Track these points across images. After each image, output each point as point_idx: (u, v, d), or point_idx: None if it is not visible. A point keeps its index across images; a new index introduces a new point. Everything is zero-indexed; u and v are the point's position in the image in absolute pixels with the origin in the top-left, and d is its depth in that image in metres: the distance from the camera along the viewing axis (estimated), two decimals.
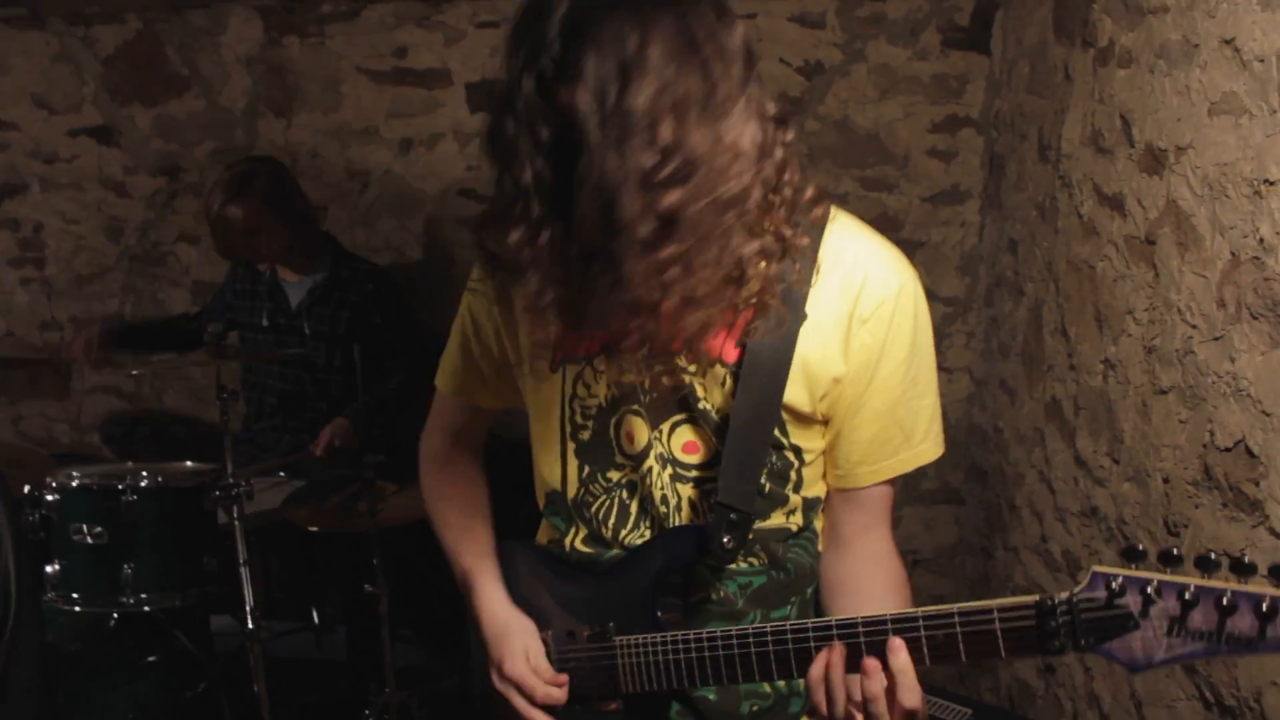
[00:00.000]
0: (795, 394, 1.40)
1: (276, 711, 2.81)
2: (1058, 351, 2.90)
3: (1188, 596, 1.00)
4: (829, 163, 3.82)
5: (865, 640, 1.24)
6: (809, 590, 1.55)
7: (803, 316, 1.36)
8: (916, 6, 3.71)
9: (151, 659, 3.00)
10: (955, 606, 1.17)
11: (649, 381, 1.43)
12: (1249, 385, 1.89)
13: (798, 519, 1.49)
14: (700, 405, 1.43)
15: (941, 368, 3.92)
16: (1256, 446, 1.85)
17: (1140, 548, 1.05)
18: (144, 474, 2.91)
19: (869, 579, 1.48)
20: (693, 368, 1.42)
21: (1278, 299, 1.79)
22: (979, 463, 3.70)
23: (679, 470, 1.47)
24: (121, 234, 4.37)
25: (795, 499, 1.48)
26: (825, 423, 1.45)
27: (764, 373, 1.38)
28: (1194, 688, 2.07)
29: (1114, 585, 1.05)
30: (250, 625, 2.74)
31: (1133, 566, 1.06)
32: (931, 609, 1.19)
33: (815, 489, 1.50)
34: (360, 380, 3.13)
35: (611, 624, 1.49)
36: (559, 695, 1.49)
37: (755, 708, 1.52)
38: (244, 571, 2.73)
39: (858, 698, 1.23)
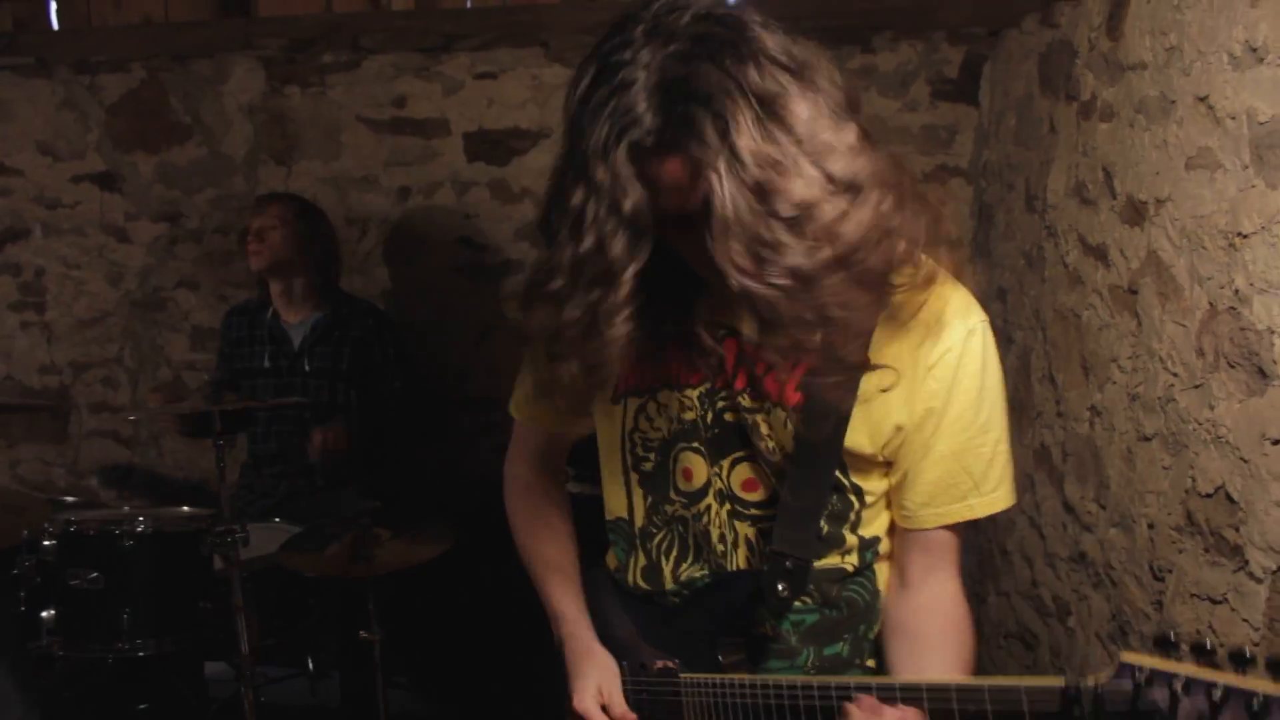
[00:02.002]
0: (856, 439, 1.40)
1: None
2: (1046, 399, 2.94)
3: (1217, 697, 0.94)
4: None
5: (900, 700, 1.26)
6: (862, 628, 1.55)
7: (865, 362, 1.34)
8: (906, 59, 3.78)
9: (146, 705, 3.01)
10: (986, 681, 1.17)
11: (710, 417, 1.47)
12: (1227, 432, 1.92)
13: (853, 559, 1.50)
14: (761, 444, 1.44)
15: None
16: (1236, 493, 1.88)
17: (1173, 638, 1.00)
18: (141, 519, 2.92)
19: (928, 625, 1.47)
20: (753, 406, 1.44)
21: (1253, 348, 1.83)
22: None
23: (738, 507, 1.49)
24: (122, 279, 4.41)
25: (852, 539, 1.49)
26: (888, 465, 1.45)
27: (825, 419, 1.37)
28: None
29: (1140, 678, 1.01)
30: (244, 671, 2.74)
31: (1163, 657, 1.02)
32: (965, 680, 1.21)
33: (873, 529, 1.50)
34: (357, 423, 3.16)
35: (678, 660, 1.53)
36: None
37: None
38: (239, 617, 2.74)
39: None
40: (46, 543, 2.89)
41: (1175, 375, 2.15)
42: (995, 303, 3.48)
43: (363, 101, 4.13)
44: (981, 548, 3.55)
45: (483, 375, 4.15)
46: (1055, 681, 1.10)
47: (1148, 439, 2.27)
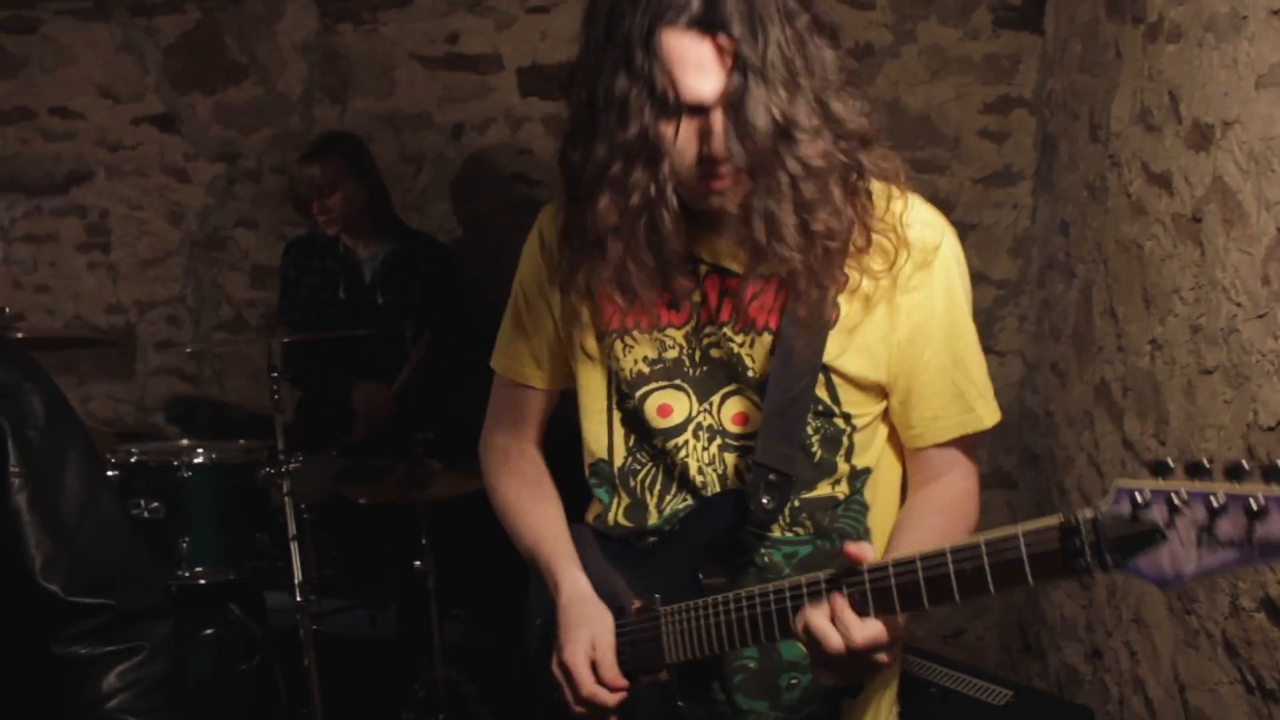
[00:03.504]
0: (843, 361, 1.43)
1: (327, 685, 2.87)
2: (1107, 333, 2.86)
3: (1215, 504, 0.94)
4: None
5: (894, 574, 1.23)
6: None
7: (842, 279, 1.40)
8: None
9: (208, 632, 3.08)
10: (981, 536, 1.14)
11: (697, 355, 1.48)
12: None
13: (844, 488, 1.50)
14: (749, 375, 1.46)
15: (993, 350, 3.90)
16: None
17: (1168, 462, 0.99)
18: (199, 451, 2.99)
19: (932, 508, 1.49)
20: (740, 338, 1.45)
21: None
22: (1030, 446, 3.66)
23: (728, 440, 1.49)
24: (183, 219, 4.47)
25: (844, 467, 1.49)
26: (882, 390, 1.47)
27: (803, 334, 1.40)
28: (1236, 671, 2.04)
29: (1139, 499, 1.00)
30: (299, 599, 2.79)
31: (1159, 480, 1.00)
32: (958, 541, 1.17)
33: (866, 458, 1.51)
34: (421, 363, 3.19)
35: (658, 595, 1.50)
36: (606, 698, 1.45)
37: (794, 681, 1.52)
38: (294, 546, 2.78)
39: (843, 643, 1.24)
40: (109, 474, 2.96)
41: (1239, 305, 2.07)
42: (1058, 236, 3.39)
43: (415, 38, 4.12)
44: (1040, 486, 3.50)
45: None
46: (1051, 521, 1.08)
47: (1209, 372, 2.20)
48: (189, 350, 4.24)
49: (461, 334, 3.80)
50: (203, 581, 2.98)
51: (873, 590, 1.24)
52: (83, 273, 4.62)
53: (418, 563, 3.05)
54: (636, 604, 1.52)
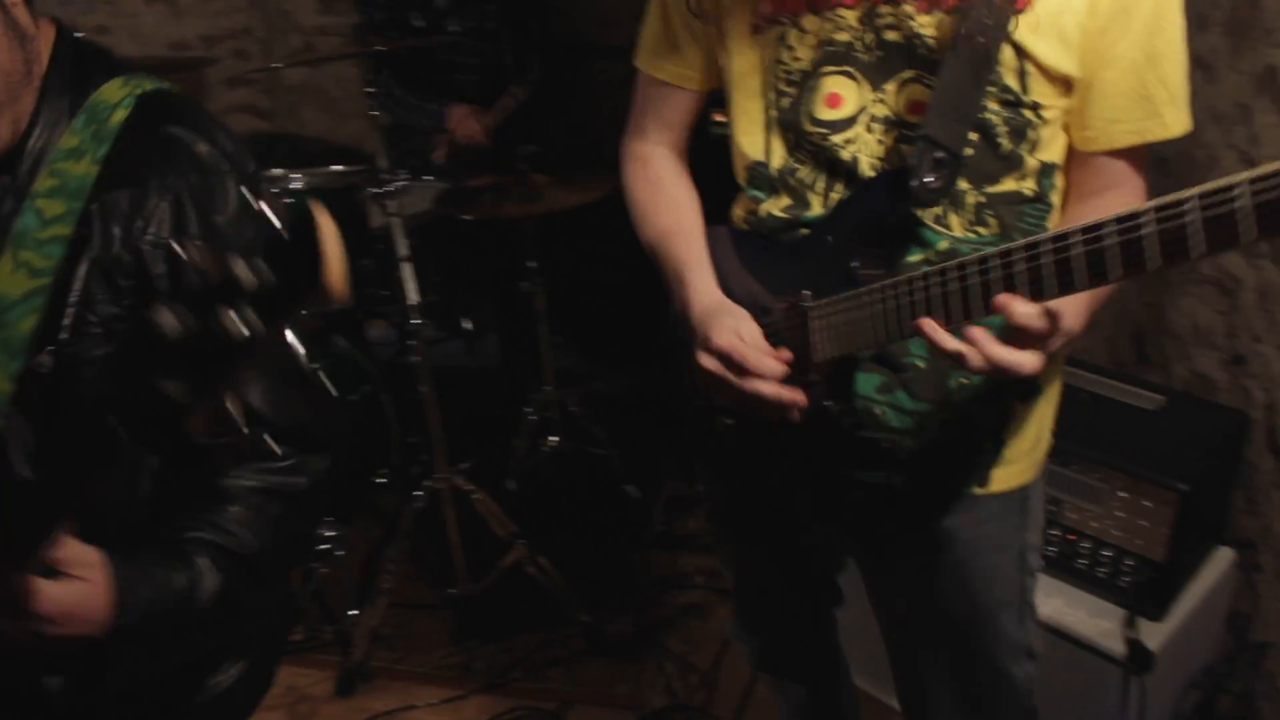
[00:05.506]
0: (1034, 40, 1.27)
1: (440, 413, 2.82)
2: (1277, 13, 2.58)
3: None
4: None
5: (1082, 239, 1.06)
6: None
7: None
8: None
9: (314, 365, 3.04)
10: (1194, 191, 0.96)
11: (871, 38, 1.33)
12: None
13: (1031, 184, 1.37)
14: (931, 58, 1.31)
15: None
16: None
17: None
18: (294, 176, 2.86)
19: (1088, 212, 1.28)
20: (923, 18, 1.30)
21: None
22: (1157, 151, 3.43)
23: (904, 132, 1.34)
24: None
25: (1031, 162, 1.36)
26: (1070, 84, 1.31)
27: (991, 8, 1.24)
28: None
29: None
30: (413, 322, 2.69)
31: None
32: (1164, 200, 0.98)
33: (1051, 153, 1.37)
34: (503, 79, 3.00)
35: (807, 291, 1.37)
36: (773, 365, 1.33)
37: (964, 381, 1.40)
38: (405, 267, 2.67)
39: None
40: None
41: None
42: None
43: None
44: (1169, 191, 3.29)
45: (628, 21, 3.90)
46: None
47: None
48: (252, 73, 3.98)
49: (545, 53, 3.58)
50: (305, 312, 2.90)
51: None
52: (140, 9, 4.40)
53: (525, 284, 2.95)
54: (783, 303, 1.40)
